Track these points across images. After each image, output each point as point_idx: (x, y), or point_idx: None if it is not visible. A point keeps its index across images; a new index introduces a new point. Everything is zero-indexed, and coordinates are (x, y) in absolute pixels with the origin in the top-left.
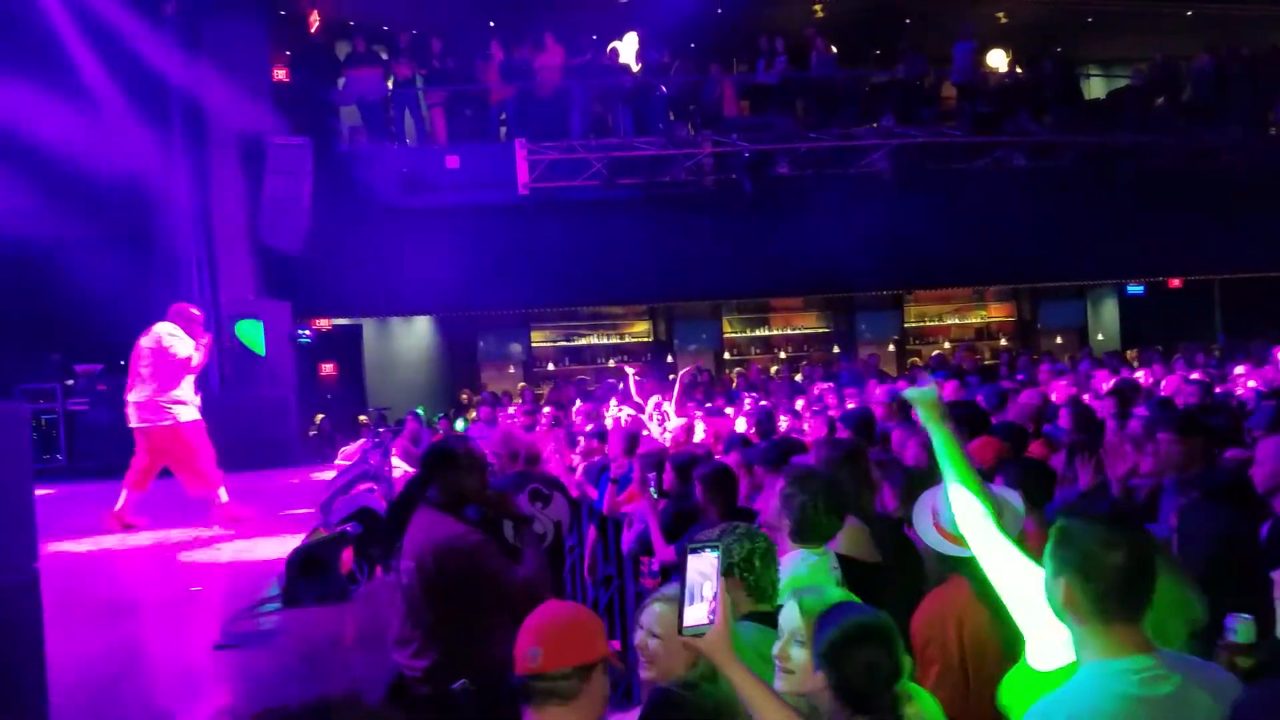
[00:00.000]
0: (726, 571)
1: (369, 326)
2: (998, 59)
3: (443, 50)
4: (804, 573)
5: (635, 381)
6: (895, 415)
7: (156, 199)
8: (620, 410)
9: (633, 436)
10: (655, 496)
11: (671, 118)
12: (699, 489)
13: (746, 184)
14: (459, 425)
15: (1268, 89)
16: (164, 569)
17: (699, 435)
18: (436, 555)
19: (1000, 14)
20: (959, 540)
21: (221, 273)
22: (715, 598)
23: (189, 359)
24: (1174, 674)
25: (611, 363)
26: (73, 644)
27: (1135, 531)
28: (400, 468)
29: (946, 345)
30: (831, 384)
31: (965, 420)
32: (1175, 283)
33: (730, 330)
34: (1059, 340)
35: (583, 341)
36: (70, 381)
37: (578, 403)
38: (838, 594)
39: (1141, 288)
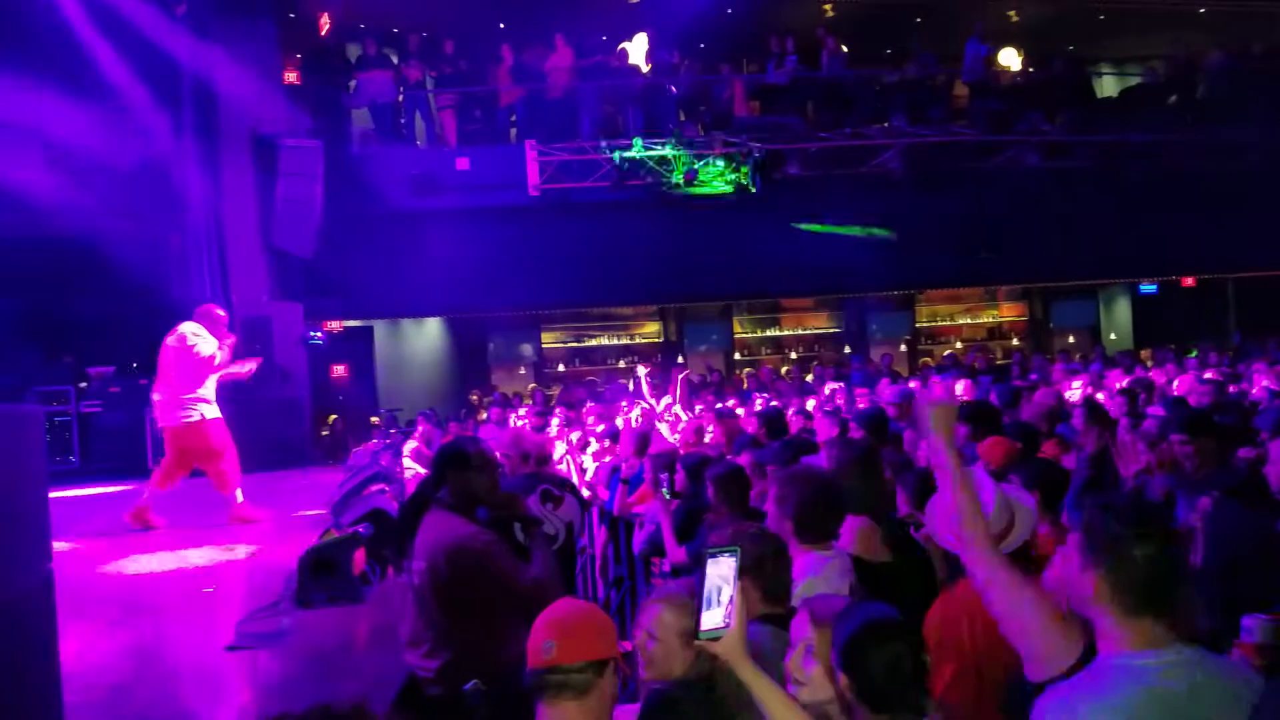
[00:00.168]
0: (739, 574)
1: (380, 328)
2: (1009, 58)
3: (453, 52)
4: (818, 576)
5: (648, 381)
6: (907, 416)
7: (168, 201)
8: (631, 411)
9: (644, 437)
10: (668, 497)
11: (682, 118)
12: (711, 490)
13: (757, 184)
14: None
15: None
16: (176, 569)
17: (708, 436)
18: (448, 556)
19: (1012, 12)
20: None
21: (233, 275)
22: (731, 601)
23: (212, 357)
24: (1194, 669)
25: (622, 364)
26: (85, 645)
27: (1163, 526)
28: (412, 469)
29: (958, 345)
30: (842, 384)
31: (978, 419)
32: (1188, 281)
33: (741, 331)
34: (1071, 340)
35: (593, 342)
36: (83, 384)
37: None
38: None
39: (1154, 287)
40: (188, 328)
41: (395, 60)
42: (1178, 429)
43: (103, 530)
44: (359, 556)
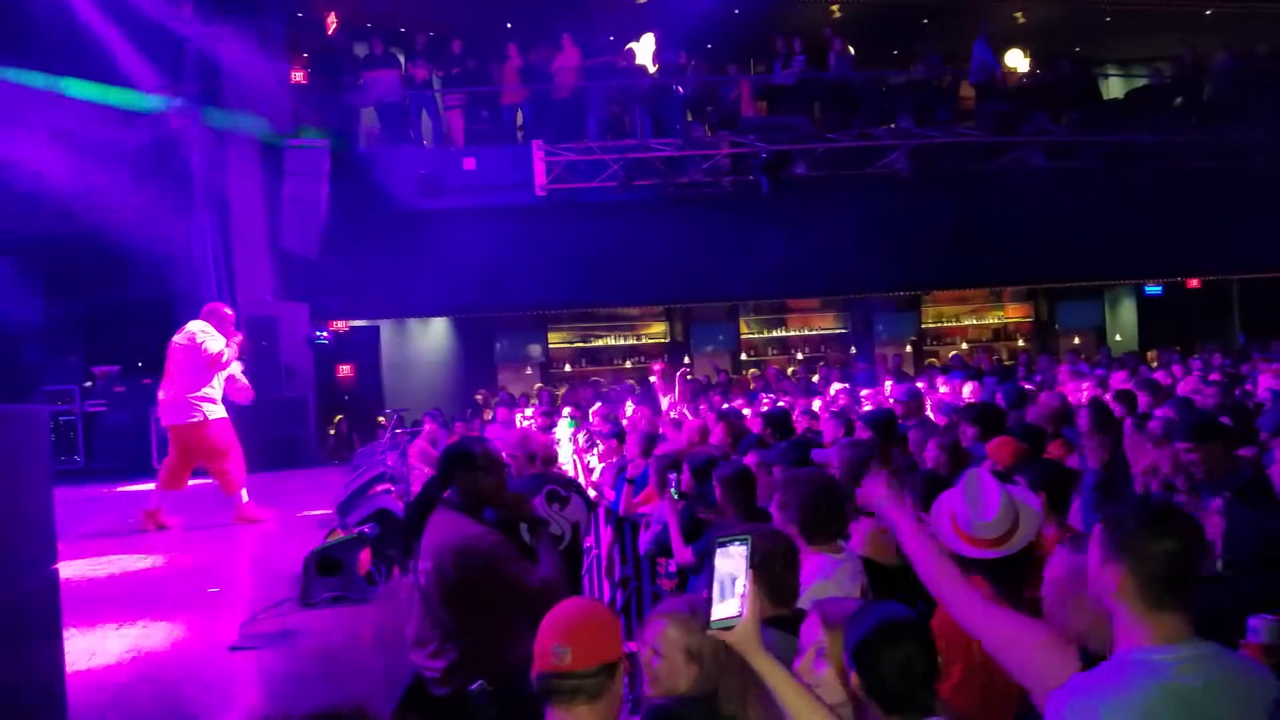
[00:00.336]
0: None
1: (386, 328)
2: (1016, 59)
3: (460, 52)
4: (829, 579)
5: (660, 380)
6: (912, 414)
7: (175, 201)
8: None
9: (650, 438)
10: (676, 498)
11: (689, 119)
12: (718, 490)
13: (764, 185)
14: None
15: None
16: (181, 570)
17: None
18: (454, 556)
19: (1018, 14)
20: (975, 542)
21: (240, 274)
22: (744, 591)
23: (220, 355)
24: (1211, 665)
25: (629, 364)
26: (91, 645)
27: (1185, 522)
28: (417, 469)
29: (964, 346)
30: (847, 385)
31: (984, 421)
32: (1194, 283)
33: (747, 331)
34: (1076, 341)
35: (599, 343)
36: (89, 383)
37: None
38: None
39: (1160, 288)
40: (195, 326)
41: (402, 60)
42: (1182, 437)
43: (109, 530)
44: (365, 556)
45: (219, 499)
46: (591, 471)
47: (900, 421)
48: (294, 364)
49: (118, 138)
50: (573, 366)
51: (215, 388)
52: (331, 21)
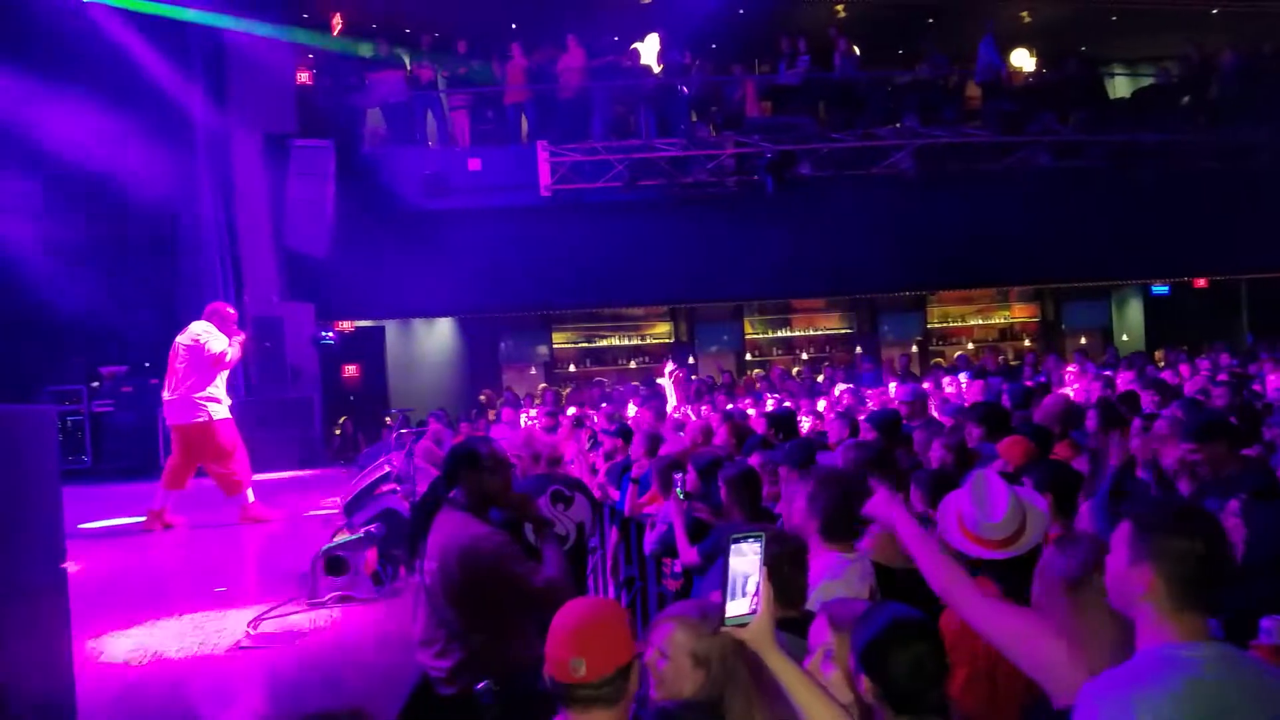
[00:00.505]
0: None
1: (391, 328)
2: (1022, 58)
3: (465, 53)
4: (837, 579)
5: (673, 379)
6: (917, 415)
7: (181, 202)
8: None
9: (654, 438)
10: (682, 498)
11: (693, 119)
12: (724, 490)
13: (769, 185)
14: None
15: None
16: (188, 569)
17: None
18: (460, 556)
19: (1024, 13)
20: (983, 543)
21: (245, 275)
22: (758, 588)
23: (223, 354)
24: (1235, 665)
25: (633, 364)
26: (99, 644)
27: (1213, 523)
28: (423, 469)
29: (970, 346)
30: (852, 385)
31: (988, 420)
32: (1201, 283)
33: (752, 331)
34: (1083, 341)
35: (604, 343)
36: (95, 383)
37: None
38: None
39: (1167, 288)
40: (199, 326)
41: (407, 60)
42: (1185, 438)
43: (116, 530)
44: (371, 556)
45: (225, 498)
46: (596, 471)
47: (905, 422)
48: (299, 364)
49: (124, 139)
50: (577, 367)
51: (219, 387)
52: (337, 22)
